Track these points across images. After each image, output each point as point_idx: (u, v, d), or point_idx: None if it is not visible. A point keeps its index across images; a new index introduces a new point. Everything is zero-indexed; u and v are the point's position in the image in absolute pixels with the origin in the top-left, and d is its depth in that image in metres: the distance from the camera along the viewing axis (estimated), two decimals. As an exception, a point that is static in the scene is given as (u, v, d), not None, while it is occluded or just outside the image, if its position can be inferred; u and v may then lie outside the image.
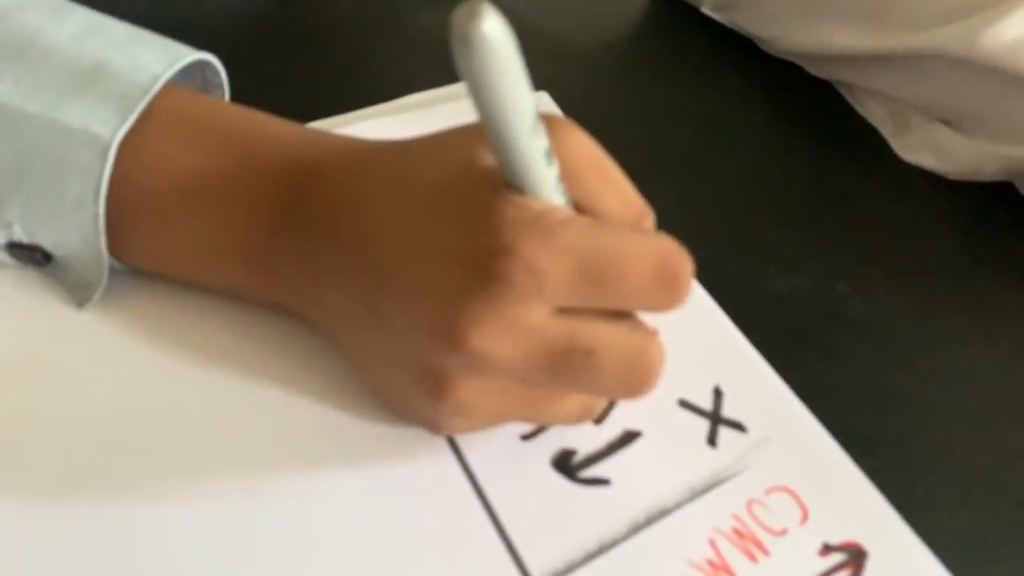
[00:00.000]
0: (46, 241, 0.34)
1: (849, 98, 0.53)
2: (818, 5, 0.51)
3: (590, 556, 0.32)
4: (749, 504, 0.34)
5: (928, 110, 0.49)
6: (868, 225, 0.47)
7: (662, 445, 0.35)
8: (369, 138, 0.35)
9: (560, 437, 0.35)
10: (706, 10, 0.57)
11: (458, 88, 0.47)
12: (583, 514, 0.33)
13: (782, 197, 0.47)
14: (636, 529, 0.33)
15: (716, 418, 0.36)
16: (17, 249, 0.35)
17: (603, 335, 0.29)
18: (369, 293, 0.31)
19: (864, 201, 0.48)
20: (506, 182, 0.28)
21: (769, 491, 0.34)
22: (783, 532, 0.33)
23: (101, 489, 0.32)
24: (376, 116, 0.46)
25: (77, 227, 0.33)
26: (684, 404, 0.36)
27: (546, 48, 0.53)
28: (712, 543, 0.33)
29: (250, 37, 0.53)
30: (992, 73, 0.43)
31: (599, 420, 0.35)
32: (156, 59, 0.34)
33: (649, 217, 0.32)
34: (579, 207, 0.30)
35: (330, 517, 0.32)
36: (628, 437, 0.35)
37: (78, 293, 0.36)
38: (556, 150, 0.28)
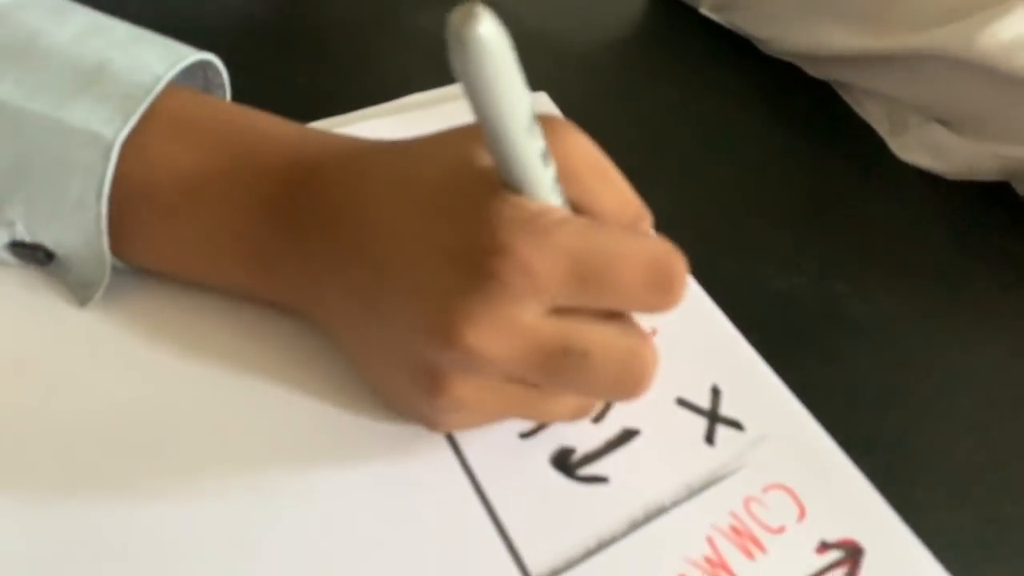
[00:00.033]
0: (48, 240, 0.35)
1: (847, 98, 0.53)
2: (816, 6, 0.51)
3: (589, 553, 0.32)
4: (747, 502, 0.34)
5: (925, 110, 0.49)
6: (866, 225, 0.47)
7: (660, 443, 0.35)
8: (369, 138, 0.35)
9: (559, 435, 0.35)
10: (704, 11, 0.57)
11: (457, 88, 0.46)
12: (582, 512, 0.33)
13: (780, 197, 0.48)
14: (634, 527, 0.33)
15: (714, 416, 0.36)
16: (19, 248, 0.35)
17: (597, 336, 0.29)
18: (367, 292, 0.31)
19: (862, 201, 0.48)
20: (503, 182, 0.29)
21: (767, 489, 0.34)
22: (780, 530, 0.33)
23: (102, 487, 0.32)
24: (376, 116, 0.46)
25: (79, 226, 0.34)
26: (682, 403, 0.36)
27: (545, 48, 0.53)
28: (710, 540, 0.33)
29: (251, 38, 0.53)
30: (989, 73, 0.43)
31: (598, 419, 0.36)
32: (158, 59, 0.34)
33: (646, 218, 0.32)
34: (576, 207, 0.30)
35: (330, 515, 0.32)
36: (626, 435, 0.35)
37: (80, 292, 0.36)
38: (554, 150, 0.28)
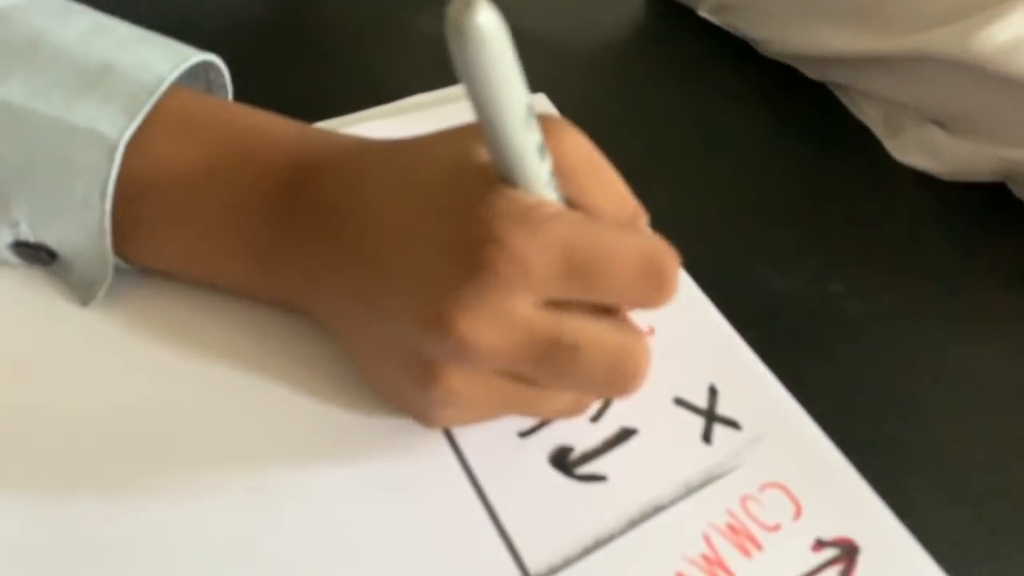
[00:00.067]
0: (51, 239, 0.35)
1: (844, 100, 0.53)
2: (813, 8, 0.51)
3: (587, 551, 0.32)
4: (743, 500, 0.34)
5: (922, 112, 0.49)
6: (863, 225, 0.47)
7: (658, 442, 0.35)
8: (369, 137, 0.35)
9: (557, 434, 0.35)
10: (703, 12, 0.57)
11: (457, 90, 0.47)
12: (580, 510, 0.33)
13: (778, 198, 0.48)
14: (632, 524, 0.33)
15: (711, 416, 0.36)
16: (22, 248, 0.35)
17: (589, 330, 0.30)
18: (366, 289, 0.32)
19: (859, 202, 0.48)
20: (500, 176, 0.29)
21: (763, 487, 0.34)
22: (776, 527, 0.33)
23: (104, 486, 0.32)
24: (376, 118, 0.46)
25: (83, 225, 0.34)
26: (680, 402, 0.37)
27: (543, 50, 0.53)
28: (707, 538, 0.33)
29: (252, 39, 0.53)
30: (984, 75, 0.43)
31: (596, 418, 0.36)
32: (162, 60, 0.34)
33: (642, 217, 0.33)
34: (572, 205, 0.30)
35: (330, 513, 0.32)
36: (624, 434, 0.36)
37: (82, 291, 0.36)
38: (551, 148, 0.29)
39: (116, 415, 0.34)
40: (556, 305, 0.29)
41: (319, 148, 0.35)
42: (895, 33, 0.47)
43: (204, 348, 0.36)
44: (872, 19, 0.48)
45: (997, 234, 0.47)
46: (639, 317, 0.38)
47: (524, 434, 0.35)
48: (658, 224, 0.33)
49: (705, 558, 0.32)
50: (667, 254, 0.30)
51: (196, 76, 0.38)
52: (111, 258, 0.35)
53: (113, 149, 0.33)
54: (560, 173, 0.29)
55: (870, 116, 0.52)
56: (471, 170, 0.30)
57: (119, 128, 0.33)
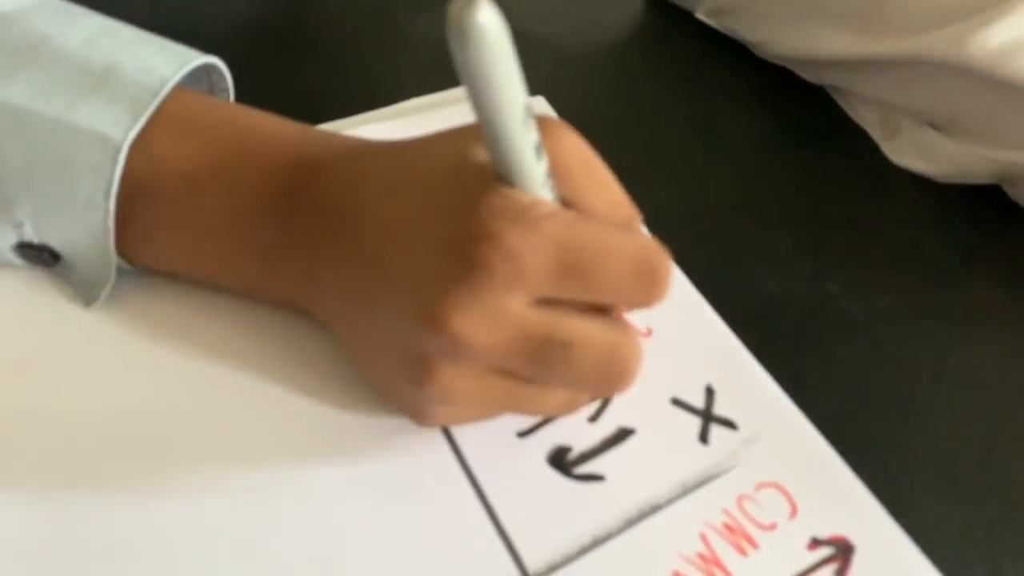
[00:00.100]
0: (55, 240, 0.35)
1: (841, 102, 0.53)
2: (809, 11, 0.51)
3: (584, 550, 0.32)
4: (739, 500, 0.34)
5: (918, 114, 0.49)
6: (858, 226, 0.47)
7: (655, 442, 0.36)
8: (369, 139, 0.36)
9: (556, 434, 0.35)
10: (700, 15, 0.57)
11: (457, 93, 0.47)
12: (578, 509, 0.33)
13: (775, 199, 0.48)
14: (629, 524, 0.33)
15: (708, 416, 0.37)
16: (26, 249, 0.36)
17: (580, 329, 0.30)
18: (365, 289, 0.32)
19: (855, 203, 0.48)
20: (496, 174, 0.29)
21: (759, 487, 0.35)
22: (772, 527, 0.34)
23: (107, 484, 0.33)
24: (376, 120, 0.46)
25: (86, 226, 0.34)
26: (677, 402, 0.37)
27: (542, 53, 0.53)
28: (703, 537, 0.33)
29: (253, 42, 0.53)
30: (979, 78, 0.43)
31: (593, 418, 0.36)
32: (165, 63, 0.35)
33: (636, 219, 0.33)
34: (568, 205, 0.30)
35: (330, 512, 0.33)
36: (622, 434, 0.36)
37: (85, 292, 0.36)
38: (548, 149, 0.29)
39: (119, 415, 0.34)
40: (549, 303, 0.30)
41: (319, 149, 0.35)
42: (891, 37, 0.47)
43: (206, 349, 0.36)
44: (868, 23, 0.48)
45: (993, 235, 0.47)
46: (636, 318, 0.38)
47: (523, 434, 0.35)
48: (656, 224, 0.33)
49: (702, 557, 0.33)
50: (660, 254, 0.30)
51: (198, 78, 0.39)
52: (114, 259, 0.35)
53: (117, 150, 0.33)
54: (556, 173, 0.30)
55: (867, 119, 0.52)
56: (469, 170, 0.30)
57: (123, 129, 0.33)
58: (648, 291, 0.30)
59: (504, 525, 0.33)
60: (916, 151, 0.50)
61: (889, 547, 0.33)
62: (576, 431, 0.36)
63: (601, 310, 0.31)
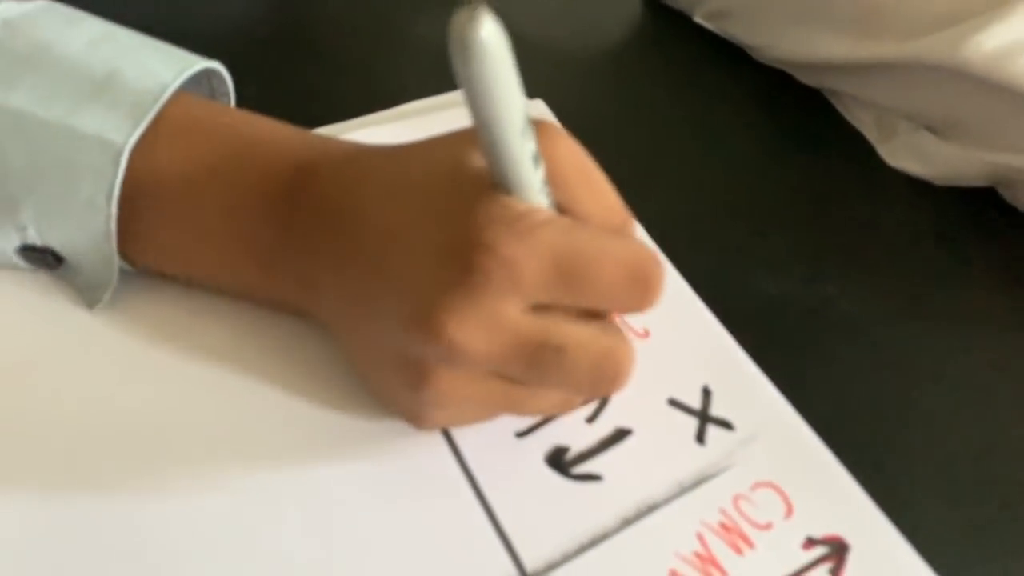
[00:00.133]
0: (58, 243, 0.35)
1: (838, 106, 0.53)
2: (806, 15, 0.51)
3: (582, 549, 0.33)
4: (735, 499, 0.34)
5: (913, 117, 0.50)
6: (855, 229, 0.47)
7: (652, 442, 0.36)
8: (367, 143, 0.36)
9: (554, 434, 0.36)
10: (698, 19, 0.57)
11: (455, 96, 0.47)
12: (576, 508, 0.34)
13: (771, 202, 0.48)
14: (627, 523, 0.33)
15: (705, 416, 0.37)
16: (30, 252, 0.36)
17: (574, 333, 0.30)
18: (363, 291, 0.32)
19: (852, 206, 0.49)
20: (494, 182, 0.29)
21: (755, 487, 0.35)
22: (768, 526, 0.34)
23: (110, 486, 0.33)
24: (375, 123, 0.46)
25: (89, 230, 0.34)
26: (674, 403, 0.37)
27: (541, 56, 0.53)
28: (699, 536, 0.33)
29: (252, 46, 0.54)
30: (974, 82, 0.44)
31: (591, 419, 0.36)
32: (166, 67, 0.35)
33: (630, 223, 0.33)
34: (562, 210, 0.31)
35: (330, 512, 0.33)
36: (619, 435, 0.36)
37: (88, 295, 0.37)
38: (543, 154, 0.29)
39: (122, 416, 0.35)
40: (543, 308, 0.30)
41: (318, 153, 0.35)
42: (887, 40, 0.47)
43: (207, 351, 0.37)
44: (865, 27, 0.49)
45: (988, 237, 0.47)
46: (634, 319, 0.39)
47: (521, 434, 0.36)
48: (654, 227, 0.33)
49: (698, 556, 0.33)
50: (653, 261, 0.31)
51: (199, 82, 0.39)
52: (116, 261, 0.35)
53: (119, 154, 0.33)
54: (551, 178, 0.30)
55: (863, 122, 0.52)
56: (466, 176, 0.30)
57: (124, 134, 0.33)
58: (641, 297, 0.31)
59: (503, 524, 0.33)
60: (912, 154, 0.50)
61: (884, 546, 0.34)
62: (574, 431, 0.36)
63: (594, 313, 0.32)
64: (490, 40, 0.24)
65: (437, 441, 0.35)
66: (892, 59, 0.47)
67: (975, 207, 0.49)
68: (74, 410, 0.35)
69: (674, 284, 0.41)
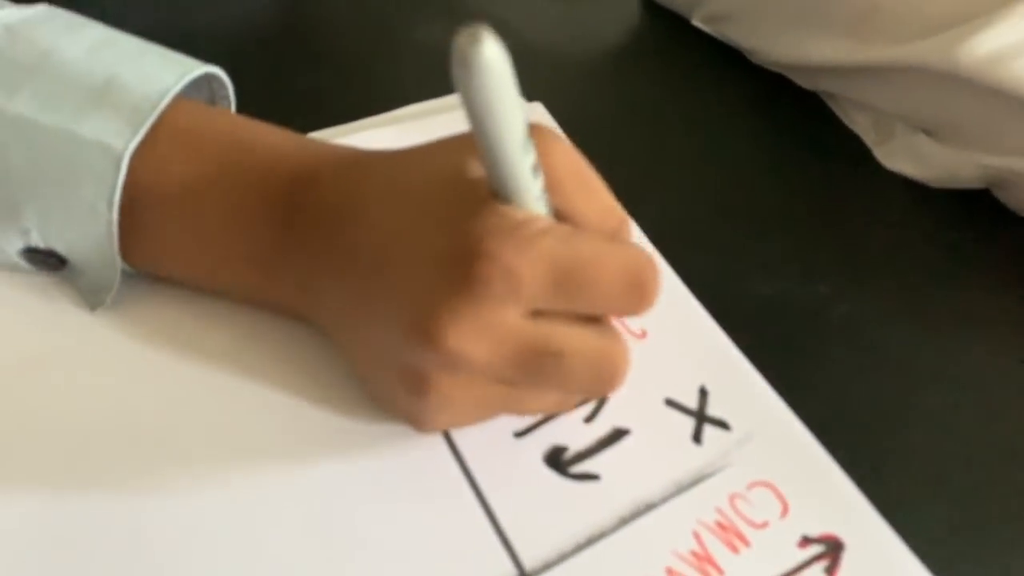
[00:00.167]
0: (61, 246, 0.36)
1: (834, 108, 0.54)
2: (803, 19, 0.52)
3: (580, 547, 0.33)
4: (732, 498, 0.35)
5: (909, 120, 0.50)
6: (851, 230, 0.47)
7: (649, 442, 0.36)
8: (365, 148, 0.36)
9: (552, 434, 0.36)
10: (696, 22, 0.58)
11: (452, 100, 0.47)
12: (574, 507, 0.34)
13: (768, 203, 0.48)
14: (624, 522, 0.34)
15: (701, 416, 0.37)
16: (33, 254, 0.36)
17: (573, 338, 0.31)
18: (362, 295, 0.32)
19: (848, 207, 0.49)
20: (493, 192, 0.30)
21: (751, 486, 0.35)
22: (764, 525, 0.34)
23: (112, 484, 0.33)
24: (373, 127, 0.47)
25: (91, 233, 0.35)
26: (671, 403, 0.37)
27: (540, 60, 0.54)
28: (696, 535, 0.34)
29: (252, 47, 0.54)
30: (968, 85, 0.44)
31: (589, 419, 0.37)
32: (166, 73, 0.35)
33: (626, 225, 0.33)
34: (560, 214, 0.31)
35: (331, 511, 0.33)
36: (617, 434, 0.36)
37: (91, 296, 0.37)
38: (541, 160, 0.29)
39: (124, 416, 0.35)
40: (541, 312, 0.30)
41: (317, 158, 0.35)
42: (883, 44, 0.48)
43: (208, 352, 0.37)
44: (861, 30, 0.49)
45: (983, 239, 0.48)
46: (631, 320, 0.39)
47: (520, 434, 0.36)
48: (651, 228, 0.33)
49: (695, 554, 0.33)
50: (649, 265, 0.31)
51: (199, 87, 0.39)
52: (118, 264, 0.35)
53: (119, 159, 0.33)
54: (549, 183, 0.30)
55: (860, 124, 0.52)
56: (465, 184, 0.31)
57: (125, 139, 0.33)
58: (638, 302, 0.31)
59: (501, 523, 0.33)
60: (908, 156, 0.50)
61: (878, 544, 0.34)
62: (572, 431, 0.36)
63: (591, 316, 0.32)
64: (492, 59, 0.24)
65: (437, 442, 0.35)
66: (888, 63, 0.47)
67: (970, 208, 0.49)
68: (76, 410, 0.35)
69: (671, 286, 0.41)
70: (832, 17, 0.50)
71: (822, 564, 0.33)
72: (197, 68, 0.36)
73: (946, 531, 0.36)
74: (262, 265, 0.35)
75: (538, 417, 0.36)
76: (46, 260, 0.36)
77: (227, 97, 0.40)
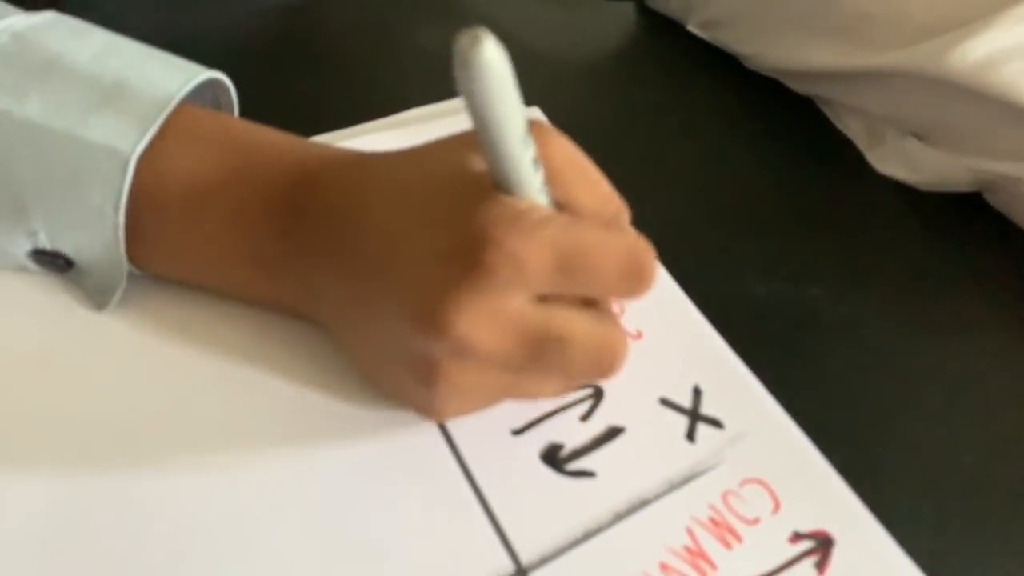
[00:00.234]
0: (68, 248, 0.36)
1: (828, 113, 0.54)
2: (798, 25, 0.52)
3: (576, 543, 0.33)
4: (724, 495, 0.35)
5: (901, 125, 0.50)
6: (844, 233, 0.48)
7: (644, 440, 0.37)
8: (367, 150, 0.37)
9: (549, 432, 0.36)
10: (692, 28, 0.58)
11: (454, 103, 0.48)
12: (570, 504, 0.34)
13: (762, 206, 0.49)
14: (619, 518, 0.34)
15: (695, 415, 0.37)
16: (41, 256, 0.37)
17: (575, 322, 0.31)
18: (365, 292, 0.33)
19: (840, 211, 0.49)
20: (496, 185, 0.30)
21: (743, 483, 0.35)
22: (756, 521, 0.34)
23: (117, 478, 0.34)
24: (376, 130, 0.47)
25: (98, 235, 0.35)
26: (665, 402, 0.38)
27: (538, 65, 0.54)
28: (689, 531, 0.34)
29: (254, 52, 0.54)
30: (959, 90, 0.44)
31: (585, 417, 0.37)
32: (171, 78, 0.36)
33: (624, 212, 0.34)
34: (560, 204, 0.32)
35: (330, 506, 0.34)
36: (612, 433, 0.37)
37: (98, 297, 0.37)
38: (540, 153, 0.30)
39: (130, 412, 0.35)
40: (544, 298, 0.31)
41: (320, 160, 0.36)
42: (876, 49, 0.48)
43: (212, 349, 0.37)
44: (854, 36, 0.49)
45: (973, 241, 0.48)
46: (627, 321, 0.39)
47: (517, 432, 0.36)
48: (648, 230, 0.33)
49: (688, 550, 0.34)
50: (646, 251, 0.32)
51: (203, 92, 0.39)
52: (125, 265, 0.36)
53: (126, 163, 0.34)
54: (549, 175, 0.31)
55: (852, 129, 0.53)
56: (467, 179, 0.31)
57: (131, 143, 0.34)
58: (636, 285, 0.32)
59: (499, 519, 0.34)
60: (900, 160, 0.50)
61: (867, 540, 0.34)
62: (568, 429, 0.37)
63: (591, 301, 0.33)
64: (493, 61, 0.25)
65: (435, 438, 0.36)
66: (880, 68, 0.48)
67: (961, 211, 0.49)
68: (83, 407, 0.35)
69: (666, 286, 0.42)
70: (826, 23, 0.51)
71: (812, 559, 0.34)
72: (202, 73, 0.37)
73: (935, 527, 0.36)
74: (266, 266, 0.36)
75: (535, 415, 0.37)
76: (54, 261, 0.37)
77: (231, 102, 0.41)
